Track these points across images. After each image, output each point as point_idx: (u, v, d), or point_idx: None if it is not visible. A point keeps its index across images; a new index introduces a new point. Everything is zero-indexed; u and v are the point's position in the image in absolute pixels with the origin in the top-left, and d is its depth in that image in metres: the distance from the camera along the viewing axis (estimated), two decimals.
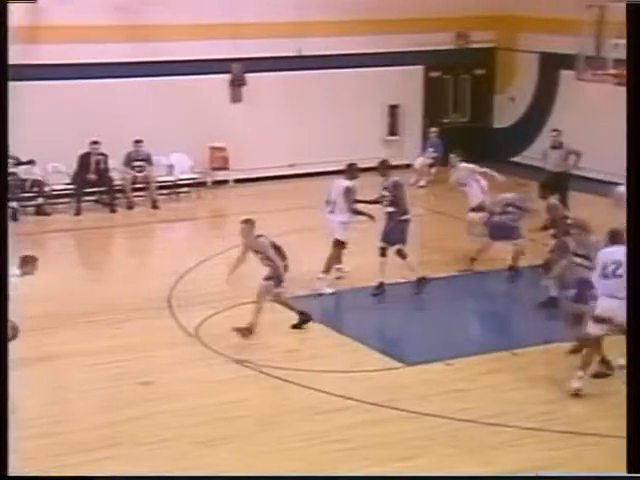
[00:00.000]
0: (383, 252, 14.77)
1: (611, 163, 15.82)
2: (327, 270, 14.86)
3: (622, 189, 13.54)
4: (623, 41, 11.54)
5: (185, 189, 21.17)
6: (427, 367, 12.08)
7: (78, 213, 19.73)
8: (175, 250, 17.65)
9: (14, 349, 10.98)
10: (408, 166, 21.86)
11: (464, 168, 16.92)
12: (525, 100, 23.97)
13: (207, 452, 9.92)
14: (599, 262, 10.97)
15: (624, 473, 7.73)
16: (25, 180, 19.52)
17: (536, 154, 20.57)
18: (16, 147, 18.86)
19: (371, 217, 14.88)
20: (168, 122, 20.76)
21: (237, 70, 21.78)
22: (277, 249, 12.95)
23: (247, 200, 20.65)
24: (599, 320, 10.93)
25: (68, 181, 20.11)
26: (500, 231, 15.54)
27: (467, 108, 24.57)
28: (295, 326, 13.24)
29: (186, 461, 9.71)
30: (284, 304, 13.26)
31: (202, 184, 21.45)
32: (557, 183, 16.93)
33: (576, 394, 11.08)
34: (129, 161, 20.37)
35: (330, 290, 14.78)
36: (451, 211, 18.78)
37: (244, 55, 21.29)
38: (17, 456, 8.20)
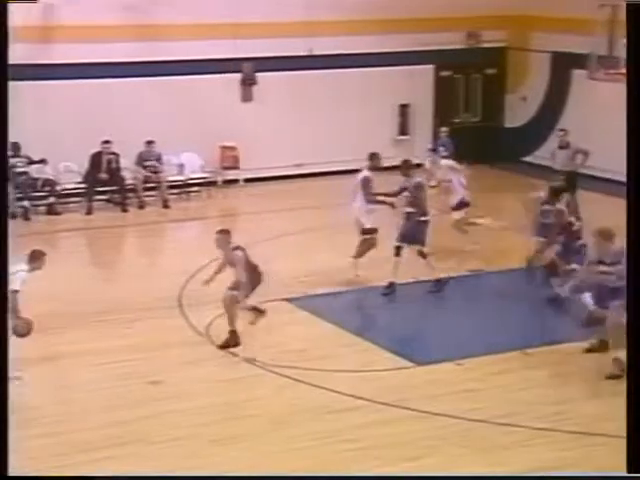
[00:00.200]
0: (398, 251, 14.74)
1: (624, 163, 15.67)
2: (358, 256, 15.04)
3: None
4: None
5: (196, 188, 21.16)
6: (438, 367, 12.06)
7: (89, 212, 19.75)
8: (186, 249, 17.62)
9: (24, 347, 11.09)
10: (419, 165, 21.75)
11: (445, 165, 17.56)
12: (537, 100, 23.89)
13: (218, 451, 9.90)
14: None
15: (624, 473, 7.71)
16: (37, 179, 19.54)
17: (548, 154, 20.51)
18: (28, 146, 19.09)
19: (392, 205, 14.92)
20: (179, 121, 20.78)
21: (248, 69, 21.77)
22: (251, 266, 12.46)
23: (258, 199, 20.66)
24: None
25: (80, 180, 20.14)
26: (544, 230, 15.04)
27: (478, 108, 24.51)
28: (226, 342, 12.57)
29: (197, 460, 9.70)
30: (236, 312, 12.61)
31: (213, 183, 21.44)
32: (565, 184, 16.85)
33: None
34: (141, 161, 20.39)
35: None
36: None
37: (255, 55, 21.29)
38: (19, 456, 8.21)
